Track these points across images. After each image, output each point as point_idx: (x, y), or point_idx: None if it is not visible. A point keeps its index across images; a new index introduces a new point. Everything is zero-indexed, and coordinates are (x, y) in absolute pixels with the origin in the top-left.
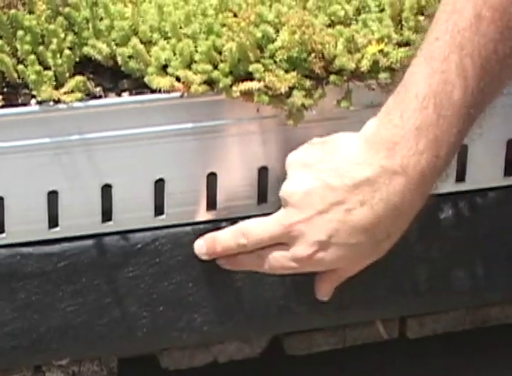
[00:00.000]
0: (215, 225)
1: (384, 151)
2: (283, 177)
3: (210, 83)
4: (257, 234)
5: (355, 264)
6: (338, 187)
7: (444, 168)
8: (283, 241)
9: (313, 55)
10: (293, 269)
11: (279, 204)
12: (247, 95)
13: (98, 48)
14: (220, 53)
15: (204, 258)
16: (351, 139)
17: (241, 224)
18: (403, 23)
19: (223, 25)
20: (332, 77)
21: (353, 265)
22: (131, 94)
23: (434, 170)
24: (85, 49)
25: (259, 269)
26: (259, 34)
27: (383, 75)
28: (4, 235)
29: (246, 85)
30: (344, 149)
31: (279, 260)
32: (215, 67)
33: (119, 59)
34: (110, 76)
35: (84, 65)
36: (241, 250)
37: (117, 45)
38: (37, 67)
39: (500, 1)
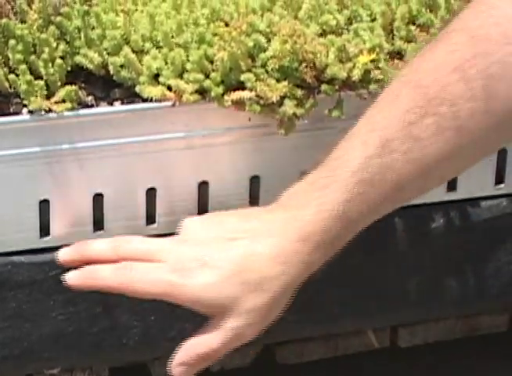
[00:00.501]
0: None
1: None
2: (275, 186)
3: (202, 92)
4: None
5: None
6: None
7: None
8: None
9: (304, 64)
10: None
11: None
12: (239, 104)
13: (90, 58)
14: (212, 62)
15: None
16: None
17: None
18: (395, 32)
19: (215, 34)
20: (323, 87)
21: None
22: (122, 103)
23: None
24: (77, 58)
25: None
26: (251, 44)
27: (373, 86)
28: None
29: (237, 94)
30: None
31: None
32: (207, 76)
33: (111, 68)
34: (102, 85)
35: (76, 74)
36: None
37: (108, 54)
38: (28, 77)
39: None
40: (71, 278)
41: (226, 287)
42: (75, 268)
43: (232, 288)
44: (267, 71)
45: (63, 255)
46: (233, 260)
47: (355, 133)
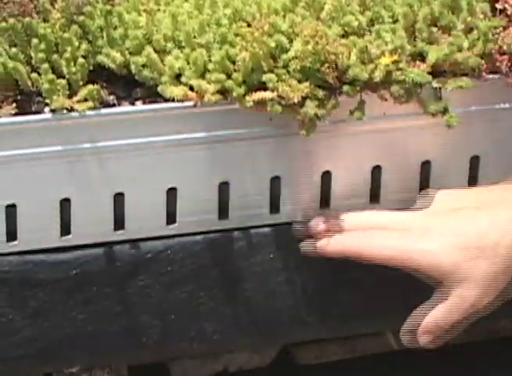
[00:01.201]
0: (227, 234)
1: None
2: (294, 185)
3: (224, 92)
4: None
5: None
6: None
7: None
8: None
9: (326, 65)
10: None
11: (292, 215)
12: (260, 104)
13: (112, 57)
14: (233, 63)
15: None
16: None
17: None
18: (416, 34)
19: (237, 35)
20: (345, 88)
21: None
22: (144, 103)
23: None
24: (99, 58)
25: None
26: (273, 44)
27: (395, 87)
28: (16, 242)
29: (259, 95)
30: None
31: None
32: (229, 77)
33: (133, 67)
34: (124, 85)
35: (98, 73)
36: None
37: (130, 53)
38: (51, 76)
39: None
40: (322, 245)
41: (454, 254)
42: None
43: (462, 255)
44: (289, 72)
45: (314, 224)
46: (464, 228)
47: None
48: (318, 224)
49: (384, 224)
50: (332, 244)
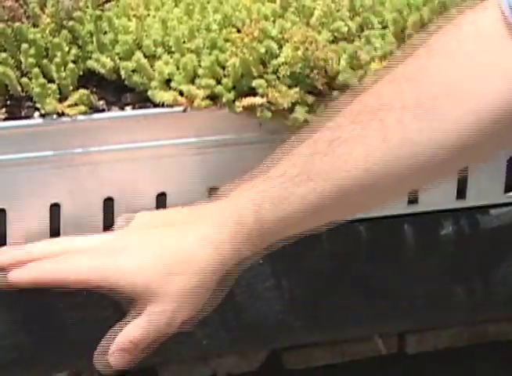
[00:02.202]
0: None
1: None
2: None
3: (214, 98)
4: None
5: None
6: None
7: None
8: None
9: (316, 71)
10: None
11: None
12: (250, 110)
13: (102, 62)
14: (223, 68)
15: None
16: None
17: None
18: (406, 40)
19: (227, 40)
20: (335, 94)
21: None
22: (134, 108)
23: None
24: (89, 63)
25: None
26: (262, 50)
27: None
28: (5, 248)
29: (249, 100)
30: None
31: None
32: (218, 82)
33: (122, 72)
34: (114, 90)
35: (88, 78)
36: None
37: (120, 58)
38: (42, 80)
39: None
40: (12, 277)
41: (148, 270)
42: None
43: (155, 271)
44: (278, 78)
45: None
46: (158, 244)
47: None
48: (3, 255)
49: (78, 247)
50: (22, 274)
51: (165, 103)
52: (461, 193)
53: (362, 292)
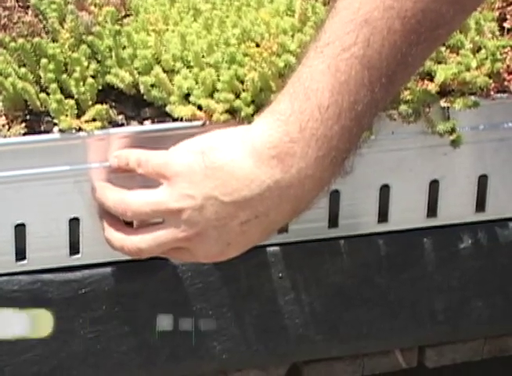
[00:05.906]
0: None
1: (279, 165)
2: None
3: (232, 112)
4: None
5: None
6: (229, 203)
7: (340, 169)
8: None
9: None
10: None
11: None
12: None
13: (120, 77)
14: (242, 83)
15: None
16: (234, 150)
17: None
18: None
19: (245, 55)
20: None
21: None
22: (153, 122)
23: (331, 175)
24: (108, 78)
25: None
26: (281, 64)
27: (403, 107)
28: (25, 262)
29: None
30: (229, 162)
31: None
32: (237, 96)
33: (141, 87)
34: (133, 104)
35: (107, 93)
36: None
37: (139, 73)
38: (59, 96)
39: None
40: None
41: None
42: None
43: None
44: None
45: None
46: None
47: None
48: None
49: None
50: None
51: (184, 118)
52: (480, 206)
53: (381, 306)
